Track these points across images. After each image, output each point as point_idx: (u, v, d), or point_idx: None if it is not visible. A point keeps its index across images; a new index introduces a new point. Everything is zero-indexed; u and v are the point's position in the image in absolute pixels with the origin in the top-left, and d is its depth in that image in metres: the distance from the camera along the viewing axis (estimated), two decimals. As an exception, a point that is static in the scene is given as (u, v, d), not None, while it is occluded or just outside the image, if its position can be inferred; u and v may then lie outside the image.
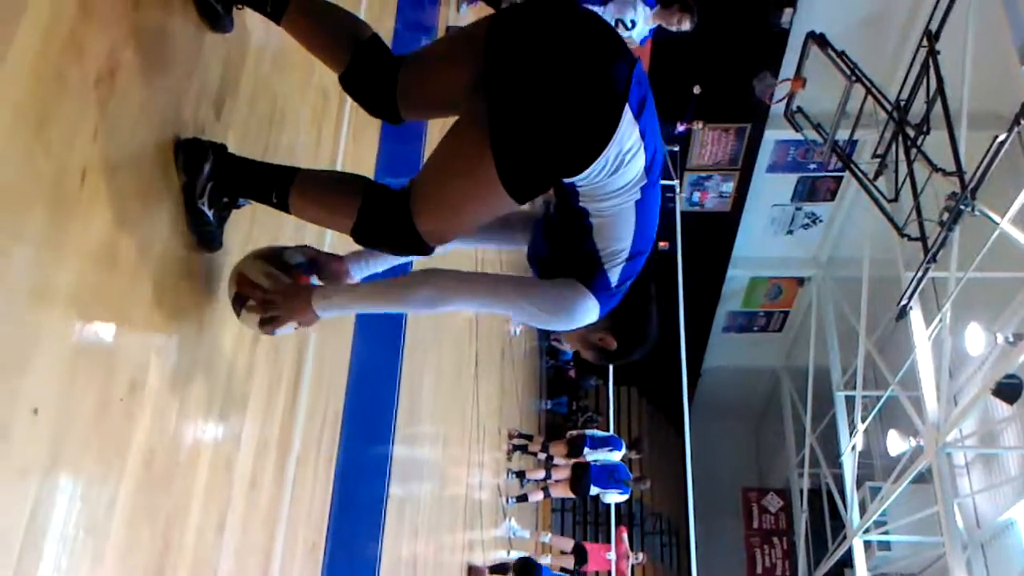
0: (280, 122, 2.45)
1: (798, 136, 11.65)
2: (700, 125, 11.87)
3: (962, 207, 8.91)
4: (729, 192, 13.66)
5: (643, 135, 1.84)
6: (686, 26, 6.36)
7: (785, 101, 10.93)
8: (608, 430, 11.27)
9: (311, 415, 2.77)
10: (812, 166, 13.41)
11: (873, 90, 10.06)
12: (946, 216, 9.13)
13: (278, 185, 1.96)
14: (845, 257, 14.55)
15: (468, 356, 6.58)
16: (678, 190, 12.11)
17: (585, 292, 2.00)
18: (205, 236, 1.93)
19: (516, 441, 9.87)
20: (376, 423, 3.75)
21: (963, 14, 9.21)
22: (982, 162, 8.59)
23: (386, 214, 1.93)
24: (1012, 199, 8.70)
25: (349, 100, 3.07)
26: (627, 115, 1.79)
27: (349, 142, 3.15)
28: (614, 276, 2.02)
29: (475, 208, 1.98)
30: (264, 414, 2.38)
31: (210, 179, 1.88)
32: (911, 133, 9.86)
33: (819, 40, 10.06)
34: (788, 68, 11.10)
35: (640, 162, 1.87)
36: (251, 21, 2.20)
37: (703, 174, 13.45)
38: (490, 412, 8.04)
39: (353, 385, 3.23)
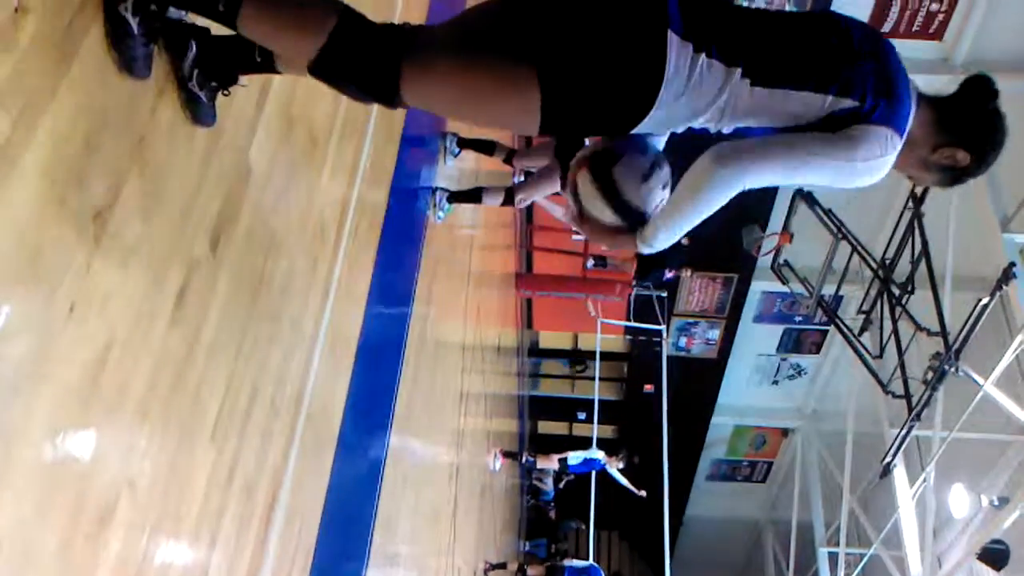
0: (276, 254, 2.45)
1: (784, 289, 11.82)
2: (689, 272, 12.03)
3: (946, 367, 8.96)
4: (715, 339, 13.74)
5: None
6: None
7: (772, 254, 11.14)
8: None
9: (281, 556, 2.66)
10: (798, 318, 13.55)
11: (859, 248, 10.27)
12: (930, 375, 9.17)
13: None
14: (830, 410, 14.53)
15: (447, 496, 6.43)
16: (665, 335, 12.15)
17: (871, 127, 1.77)
18: (127, 53, 1.59)
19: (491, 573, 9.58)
20: (348, 565, 3.61)
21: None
22: (966, 324, 8.70)
23: (370, 48, 1.67)
24: (996, 361, 8.76)
25: (344, 241, 3.12)
26: (672, 52, 1.67)
27: (344, 272, 3.15)
28: (848, 104, 1.77)
29: (483, 118, 1.90)
30: (235, 553, 2.29)
31: (195, 65, 1.79)
32: (896, 292, 10.01)
33: (806, 198, 10.34)
34: (776, 222, 11.37)
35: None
36: (255, 157, 2.23)
37: (690, 320, 13.55)
38: (467, 551, 7.80)
39: (326, 525, 3.13)
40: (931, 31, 9.78)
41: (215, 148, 2.01)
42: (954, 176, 1.97)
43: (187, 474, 1.97)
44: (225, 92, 1.90)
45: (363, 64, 1.67)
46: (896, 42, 7.56)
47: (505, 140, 7.76)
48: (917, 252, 9.62)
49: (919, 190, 9.76)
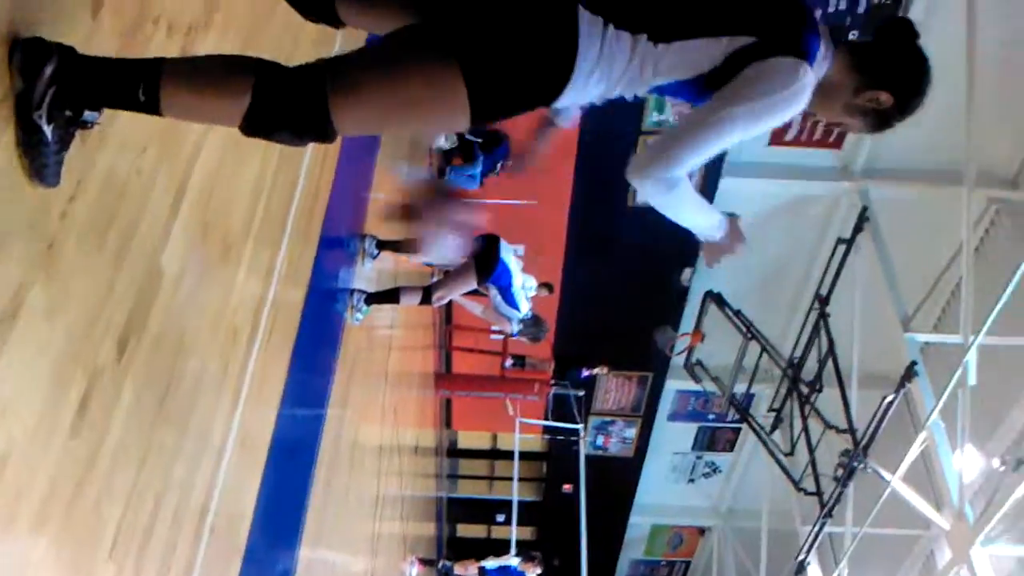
0: (185, 359, 2.39)
1: (698, 387, 12.01)
2: (605, 371, 12.13)
3: (855, 464, 9.15)
4: (632, 438, 13.79)
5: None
6: None
7: (685, 353, 11.35)
8: None
9: None
10: (711, 416, 13.73)
11: (768, 348, 10.54)
12: (840, 472, 9.35)
13: (146, 76, 1.64)
14: (745, 508, 14.63)
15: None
16: (583, 433, 12.15)
17: (770, 60, 1.80)
18: (39, 160, 1.54)
19: None
20: None
21: (850, 281, 9.90)
22: (872, 421, 8.94)
23: (293, 90, 1.69)
24: (902, 457, 8.99)
25: (257, 344, 3.07)
26: (584, 26, 1.75)
27: (256, 375, 3.09)
28: (743, 40, 1.82)
29: (412, 124, 1.95)
30: None
31: (52, 83, 1.53)
32: (805, 390, 10.27)
33: (716, 299, 10.63)
34: (688, 322, 11.61)
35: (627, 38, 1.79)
36: (168, 260, 2.19)
37: (607, 419, 13.60)
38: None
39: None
40: (831, 140, 10.31)
41: (126, 252, 1.97)
42: (879, 119, 2.00)
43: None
44: (83, 128, 1.69)
45: (291, 109, 1.69)
46: (799, 151, 7.97)
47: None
48: (824, 351, 9.91)
49: (824, 291, 10.14)
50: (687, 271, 11.34)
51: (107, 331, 1.89)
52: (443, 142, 9.38)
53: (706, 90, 1.86)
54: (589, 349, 11.66)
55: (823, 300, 10.17)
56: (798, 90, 1.84)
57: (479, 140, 9.61)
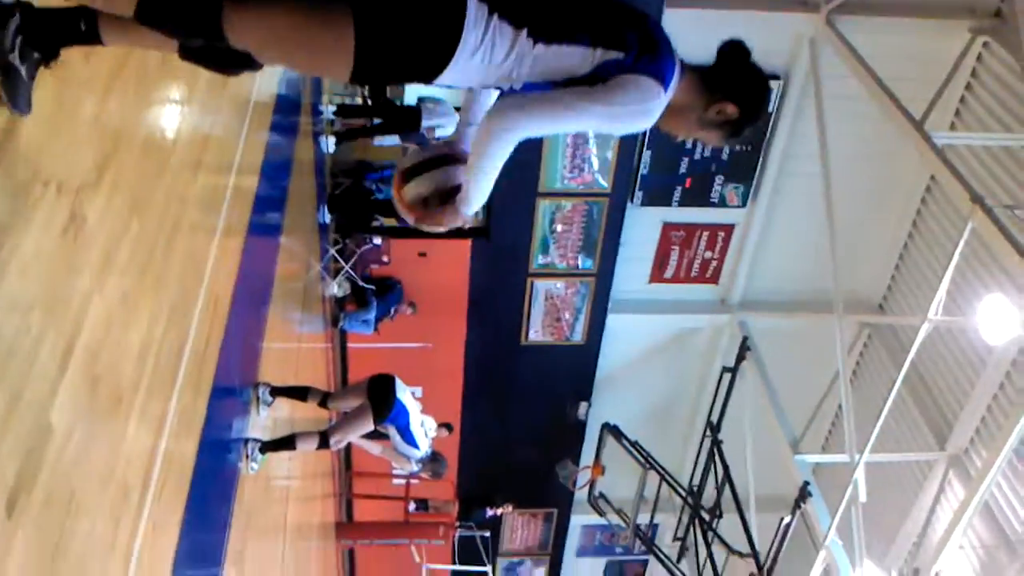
0: (76, 518, 2.37)
1: (603, 521, 12.01)
2: (510, 509, 12.03)
3: (760, 588, 9.24)
4: (544, 579, 13.58)
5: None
6: None
7: (588, 487, 11.39)
8: None
9: None
10: (619, 550, 13.67)
11: (666, 477, 10.70)
12: (748, 600, 9.41)
13: (84, 12, 1.98)
14: (660, 643, 14.40)
15: None
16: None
17: (632, 75, 2.04)
18: (15, 91, 1.89)
19: None
20: None
21: (739, 407, 10.24)
22: (773, 543, 9.09)
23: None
24: (806, 577, 9.13)
25: (148, 500, 3.04)
26: (472, 10, 1.94)
27: (148, 533, 3.03)
28: (614, 55, 2.05)
29: (296, 60, 2.08)
30: None
31: (18, 32, 1.87)
32: (706, 517, 10.40)
33: (613, 431, 10.81)
34: (588, 456, 11.72)
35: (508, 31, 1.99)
36: (56, 417, 2.21)
37: (515, 559, 13.38)
38: None
39: None
40: (707, 275, 10.87)
41: (15, 409, 1.99)
42: (732, 129, 2.24)
43: None
44: (47, 65, 2.00)
45: (184, 11, 1.87)
46: (678, 287, 8.41)
47: (319, 384, 7.78)
48: (720, 477, 10.12)
49: (715, 418, 10.44)
50: (583, 405, 11.54)
51: (-5, 490, 1.89)
52: (336, 290, 9.50)
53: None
54: (493, 488, 11.60)
55: (714, 427, 10.47)
56: (650, 109, 2.10)
57: (372, 287, 9.77)
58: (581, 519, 12.95)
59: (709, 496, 10.56)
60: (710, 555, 10.30)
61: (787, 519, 9.09)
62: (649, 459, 10.57)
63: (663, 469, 10.72)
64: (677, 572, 11.17)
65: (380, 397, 6.39)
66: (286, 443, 5.97)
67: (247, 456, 5.27)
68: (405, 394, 6.65)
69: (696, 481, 10.83)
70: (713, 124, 2.24)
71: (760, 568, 9.28)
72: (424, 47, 1.97)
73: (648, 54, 2.09)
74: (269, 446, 5.61)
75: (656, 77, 2.08)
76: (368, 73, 1.98)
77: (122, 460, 2.80)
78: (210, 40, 1.92)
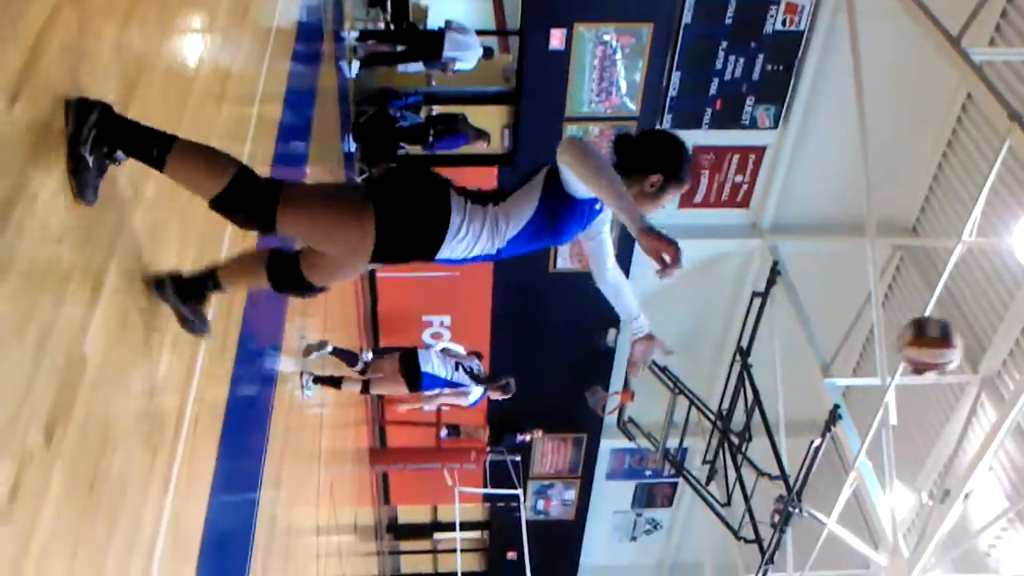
0: (113, 448, 2.41)
1: (632, 445, 12.14)
2: (540, 434, 12.18)
3: (791, 509, 9.32)
4: (572, 500, 13.80)
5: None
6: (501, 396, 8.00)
7: (617, 412, 11.48)
8: None
9: None
10: (648, 473, 13.84)
11: (696, 401, 10.74)
12: (777, 518, 9.51)
13: (162, 142, 2.37)
14: (688, 561, 14.67)
15: None
16: (522, 498, 12.13)
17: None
18: (83, 182, 2.16)
19: None
20: None
21: (768, 333, 10.21)
22: (802, 466, 9.15)
23: (255, 193, 2.49)
24: (835, 499, 9.20)
25: (184, 429, 3.09)
26: (453, 203, 2.70)
27: (185, 460, 3.09)
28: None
29: (330, 244, 2.71)
30: None
31: (95, 127, 2.16)
32: (735, 440, 10.46)
33: (643, 356, 10.80)
34: (617, 382, 11.79)
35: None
36: (91, 344, 2.23)
37: (546, 482, 13.60)
38: None
39: None
40: (738, 200, 10.74)
41: (47, 340, 2.01)
42: (671, 185, 2.81)
43: None
44: (115, 162, 2.33)
45: (250, 203, 2.50)
46: (708, 211, 8.39)
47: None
48: (750, 401, 10.14)
49: (744, 343, 10.43)
50: (612, 331, 11.55)
51: (33, 419, 1.91)
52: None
53: (545, 218, 2.80)
54: (522, 414, 11.72)
55: (744, 352, 10.45)
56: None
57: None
58: (610, 443, 13.09)
59: (738, 420, 10.61)
60: (739, 478, 10.40)
61: (817, 442, 9.12)
62: (678, 384, 10.61)
63: (692, 394, 10.76)
64: (706, 495, 11.30)
65: (410, 375, 7.10)
66: (335, 382, 6.76)
67: (302, 385, 5.95)
68: (430, 363, 7.15)
69: (725, 405, 10.87)
70: (655, 193, 2.81)
71: (790, 490, 9.35)
72: (424, 235, 2.69)
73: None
74: (320, 379, 6.31)
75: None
76: (385, 256, 2.68)
77: (157, 389, 2.84)
78: (263, 231, 2.59)
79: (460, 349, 7.49)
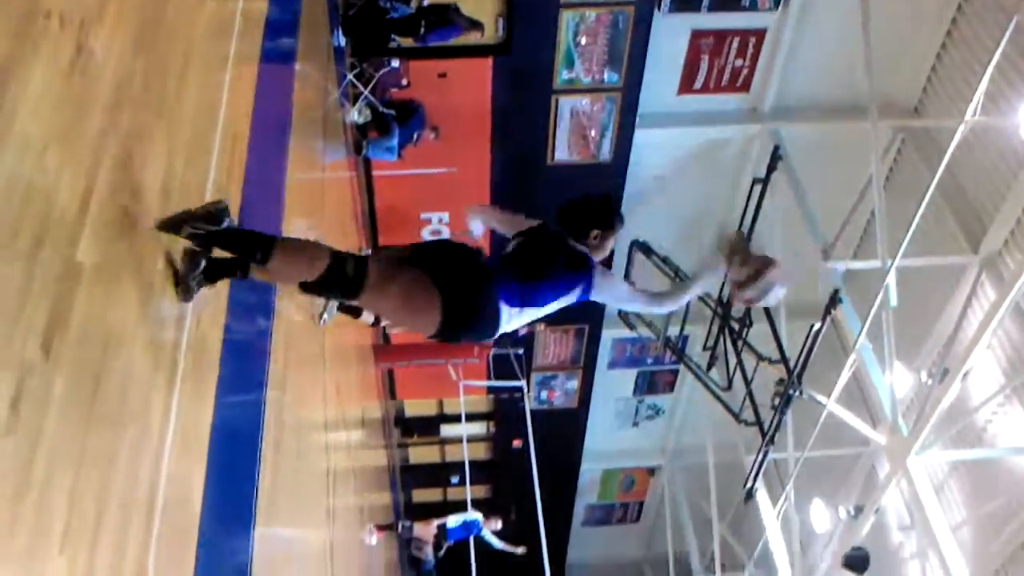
0: (115, 351, 2.42)
1: (633, 334, 12.26)
2: (542, 327, 12.28)
3: (791, 392, 9.48)
4: (574, 389, 14.03)
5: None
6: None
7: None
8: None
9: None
10: (649, 361, 14.03)
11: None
12: (777, 401, 9.68)
13: (263, 246, 2.93)
14: (690, 445, 15.02)
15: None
16: (526, 390, 12.33)
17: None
18: (187, 296, 2.97)
19: None
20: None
21: (769, 218, 10.17)
22: (803, 349, 9.25)
23: (346, 278, 2.99)
24: (835, 380, 9.34)
25: (187, 331, 3.10)
26: (503, 313, 3.22)
27: (189, 363, 3.12)
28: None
29: (405, 319, 3.30)
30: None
31: (202, 272, 2.98)
32: (736, 327, 10.55)
33: (643, 248, 10.83)
34: (617, 272, 11.80)
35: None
36: (84, 255, 2.21)
37: (549, 373, 13.80)
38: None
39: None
40: (738, 84, 10.53)
41: (39, 250, 1.99)
42: (604, 239, 3.51)
43: None
44: (209, 285, 3.08)
45: (341, 287, 3.02)
46: (708, 97, 8.27)
47: (346, 222, 7.83)
48: (750, 287, 10.16)
49: (746, 228, 10.40)
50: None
51: (30, 330, 1.91)
52: (356, 117, 9.33)
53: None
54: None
55: (744, 238, 10.41)
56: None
57: (393, 112, 9.57)
58: (612, 333, 13.22)
59: (739, 308, 10.66)
60: (740, 363, 10.54)
61: (817, 325, 9.20)
62: (679, 273, 10.63)
63: (693, 281, 10.78)
64: (707, 380, 11.46)
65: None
66: (355, 311, 7.28)
67: (323, 313, 6.42)
68: None
69: (726, 293, 10.91)
70: (599, 243, 3.51)
71: (790, 373, 9.48)
72: (480, 329, 3.27)
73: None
74: (343, 307, 6.73)
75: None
76: (445, 337, 3.19)
77: (156, 294, 2.83)
78: (347, 309, 3.81)
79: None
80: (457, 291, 3.10)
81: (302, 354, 5.93)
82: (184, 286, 2.97)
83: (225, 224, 2.92)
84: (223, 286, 3.72)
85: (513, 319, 3.27)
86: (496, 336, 3.28)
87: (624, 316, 11.65)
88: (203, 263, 2.98)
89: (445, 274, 3.11)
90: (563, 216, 3.54)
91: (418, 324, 3.18)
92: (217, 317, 3.65)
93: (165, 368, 2.91)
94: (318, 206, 6.90)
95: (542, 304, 3.34)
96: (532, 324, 3.68)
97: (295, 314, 5.65)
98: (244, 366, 4.18)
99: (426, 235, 11.21)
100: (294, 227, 6.02)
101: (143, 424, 2.66)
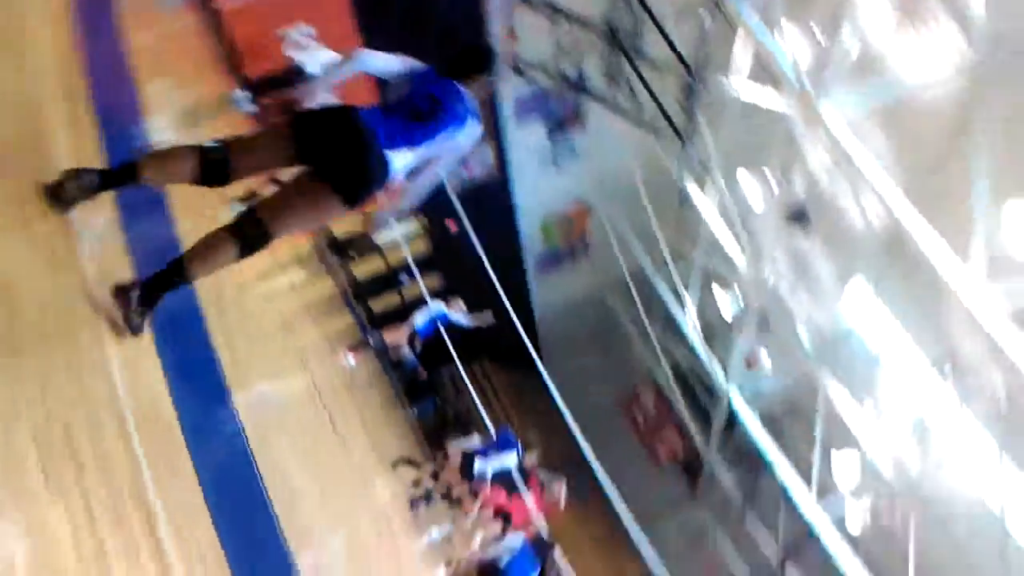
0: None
1: (532, 88, 12.01)
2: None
3: (694, 86, 9.53)
4: (490, 158, 13.89)
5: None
6: None
7: (510, 60, 11.18)
8: (476, 420, 11.31)
9: (185, 559, 2.62)
10: (554, 107, 13.83)
11: (577, 17, 10.47)
12: (687, 101, 9.74)
13: (177, 271, 3.02)
14: (617, 168, 15.07)
15: (321, 418, 6.42)
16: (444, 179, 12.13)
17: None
18: (134, 326, 2.97)
19: (412, 492, 9.21)
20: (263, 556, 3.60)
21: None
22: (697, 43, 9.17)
23: (255, 239, 3.12)
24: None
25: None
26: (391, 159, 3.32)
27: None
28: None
29: (318, 219, 3.63)
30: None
31: (137, 301, 2.95)
32: (625, 44, 10.37)
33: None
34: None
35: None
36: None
37: (460, 154, 13.58)
38: (366, 455, 7.90)
39: (220, 524, 3.07)
40: None
41: None
42: (487, 77, 3.89)
43: (48, 536, 1.89)
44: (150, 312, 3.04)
45: (255, 243, 3.13)
46: None
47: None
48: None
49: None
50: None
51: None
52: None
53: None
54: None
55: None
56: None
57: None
58: (512, 92, 12.88)
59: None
60: (640, 77, 10.43)
61: (702, 12, 9.07)
62: (556, 9, 10.29)
63: (571, 12, 10.46)
64: (610, 100, 11.34)
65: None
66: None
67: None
68: None
69: (610, 12, 10.58)
70: (484, 85, 3.84)
71: (689, 71, 9.46)
72: (375, 177, 3.32)
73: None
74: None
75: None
76: (352, 202, 3.27)
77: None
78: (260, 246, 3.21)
79: (337, 56, 7.09)
80: (341, 170, 3.20)
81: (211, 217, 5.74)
82: (130, 325, 2.97)
83: (89, 180, 2.93)
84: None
85: (406, 160, 3.39)
86: (392, 177, 3.35)
87: (516, 67, 11.32)
88: (136, 294, 2.96)
89: (323, 160, 3.20)
90: (449, 67, 3.77)
91: (331, 215, 3.36)
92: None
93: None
94: (173, 60, 6.45)
95: (430, 138, 3.47)
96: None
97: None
98: (155, 246, 4.03)
99: (292, 53, 10.59)
100: (155, 88, 5.65)
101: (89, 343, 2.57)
